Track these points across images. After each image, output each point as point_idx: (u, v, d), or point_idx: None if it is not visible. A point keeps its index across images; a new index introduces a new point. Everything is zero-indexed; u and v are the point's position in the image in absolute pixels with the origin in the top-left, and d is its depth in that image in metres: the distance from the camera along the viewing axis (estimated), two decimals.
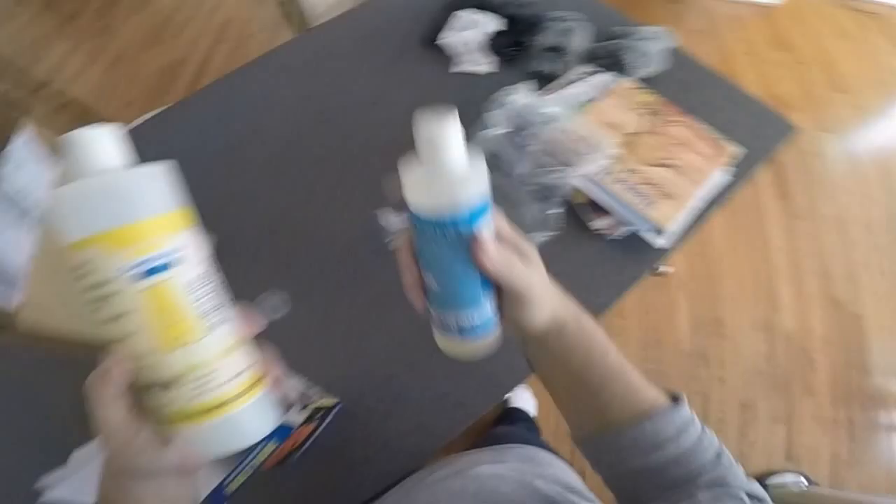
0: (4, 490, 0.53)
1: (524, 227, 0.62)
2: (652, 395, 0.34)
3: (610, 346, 0.36)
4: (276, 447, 0.48)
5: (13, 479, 0.53)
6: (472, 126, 0.67)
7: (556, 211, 0.63)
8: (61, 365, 0.49)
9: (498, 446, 0.50)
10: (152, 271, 0.24)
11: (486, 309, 0.32)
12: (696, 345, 1.32)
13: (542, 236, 0.63)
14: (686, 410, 0.34)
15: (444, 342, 0.35)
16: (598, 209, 0.65)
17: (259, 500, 0.51)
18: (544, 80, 0.75)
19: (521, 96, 0.68)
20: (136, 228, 0.24)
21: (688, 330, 1.34)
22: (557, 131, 0.66)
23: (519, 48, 0.78)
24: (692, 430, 0.33)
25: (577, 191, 0.65)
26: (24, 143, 0.59)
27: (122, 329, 0.25)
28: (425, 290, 0.33)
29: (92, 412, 0.27)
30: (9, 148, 0.57)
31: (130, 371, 0.26)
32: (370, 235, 0.65)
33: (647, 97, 0.72)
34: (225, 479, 0.45)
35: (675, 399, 0.34)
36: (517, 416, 1.18)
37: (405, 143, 0.34)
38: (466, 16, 0.78)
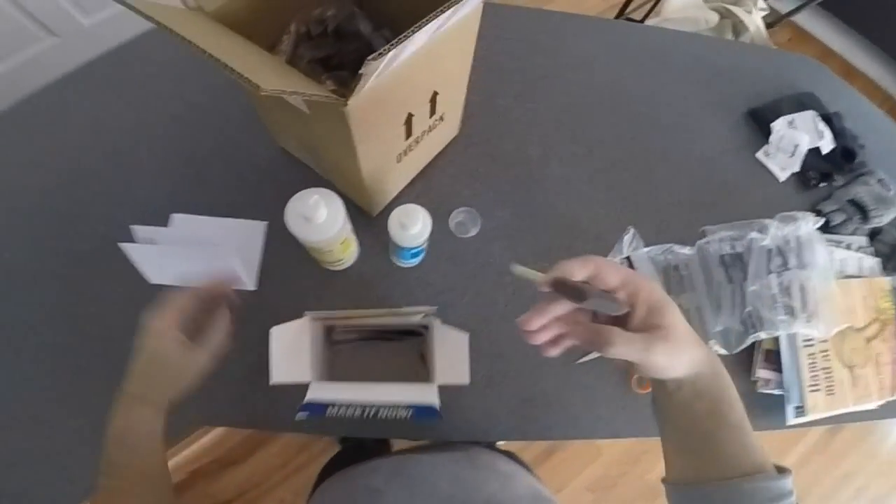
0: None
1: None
2: (760, 458, 0.34)
3: (736, 401, 0.35)
4: None
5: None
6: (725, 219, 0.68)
7: (740, 346, 0.66)
8: None
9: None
10: None
11: None
12: None
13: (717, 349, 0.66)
14: (788, 483, 0.33)
15: None
16: (771, 362, 0.68)
17: None
18: (824, 227, 0.72)
19: (804, 227, 0.66)
20: None
21: None
22: (802, 279, 0.66)
23: (825, 181, 0.74)
24: None
25: (771, 338, 0.68)
26: None
27: None
28: None
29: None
30: None
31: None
32: None
33: (887, 304, 0.70)
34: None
35: (781, 470, 0.34)
36: None
37: None
38: (810, 117, 0.74)
